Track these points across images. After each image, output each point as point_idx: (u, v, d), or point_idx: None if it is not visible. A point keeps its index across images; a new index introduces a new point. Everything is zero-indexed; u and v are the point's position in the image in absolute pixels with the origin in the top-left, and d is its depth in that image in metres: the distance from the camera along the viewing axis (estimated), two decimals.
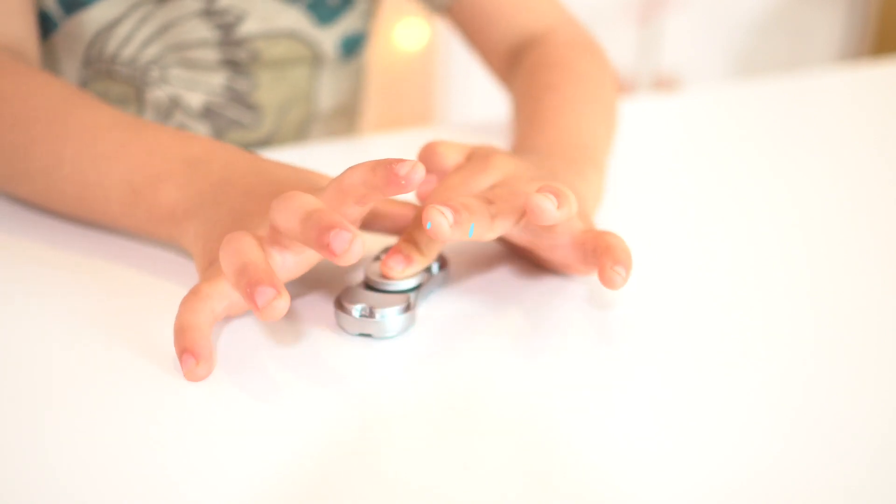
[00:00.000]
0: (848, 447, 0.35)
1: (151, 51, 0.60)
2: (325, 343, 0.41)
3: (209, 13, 0.59)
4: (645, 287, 0.46)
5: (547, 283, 0.46)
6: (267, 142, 0.67)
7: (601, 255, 0.40)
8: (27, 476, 0.33)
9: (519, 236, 0.42)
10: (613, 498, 0.32)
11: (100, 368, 0.39)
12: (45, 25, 0.59)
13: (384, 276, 0.42)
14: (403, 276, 0.41)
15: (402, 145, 0.66)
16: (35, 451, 0.34)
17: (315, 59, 0.65)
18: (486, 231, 0.39)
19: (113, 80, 0.61)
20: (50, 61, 0.61)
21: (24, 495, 0.32)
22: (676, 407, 0.37)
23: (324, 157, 0.65)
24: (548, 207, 0.38)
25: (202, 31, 0.60)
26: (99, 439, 0.35)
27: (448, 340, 0.42)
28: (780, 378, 0.39)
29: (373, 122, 2.40)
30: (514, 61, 0.63)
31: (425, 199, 0.44)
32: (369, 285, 0.42)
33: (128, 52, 0.60)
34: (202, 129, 0.64)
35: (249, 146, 0.65)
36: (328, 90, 0.69)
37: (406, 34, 2.28)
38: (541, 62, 0.60)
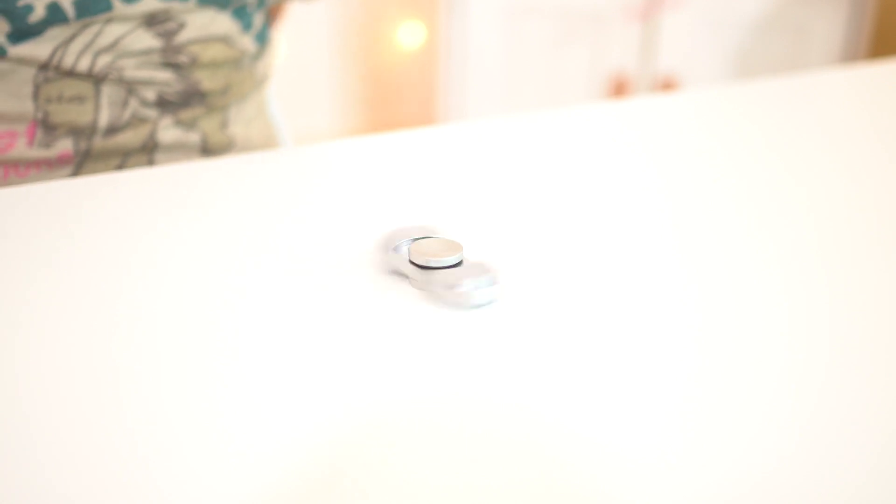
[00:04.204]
0: (854, 449, 0.35)
1: (104, 59, 0.65)
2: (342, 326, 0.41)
3: (151, 23, 0.66)
4: (645, 287, 0.46)
5: (601, 295, 0.46)
6: (210, 111, 0.72)
7: None
8: (24, 477, 0.33)
9: None
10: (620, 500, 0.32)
11: (100, 360, 0.39)
12: None
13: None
14: None
15: (399, 146, 0.66)
16: (35, 451, 0.34)
17: (241, 57, 0.73)
18: None
19: (72, 78, 0.65)
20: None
21: (22, 496, 0.32)
22: (695, 408, 0.37)
23: (321, 159, 0.65)
24: None
25: (147, 40, 0.66)
26: (99, 425, 0.35)
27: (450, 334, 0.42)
28: (784, 379, 0.39)
29: (373, 124, 2.40)
30: None
31: None
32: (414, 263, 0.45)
33: (84, 63, 0.65)
34: (153, 113, 0.69)
35: (198, 117, 0.72)
36: (258, 67, 0.76)
37: (405, 37, 2.29)
38: None
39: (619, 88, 2.06)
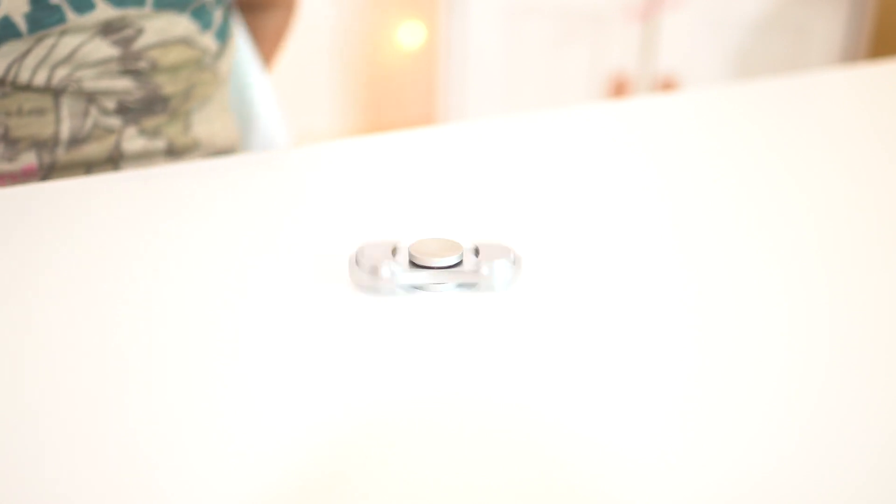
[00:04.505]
0: (854, 449, 0.35)
1: (62, 72, 0.64)
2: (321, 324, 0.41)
3: (108, 32, 0.65)
4: (644, 287, 0.46)
5: (604, 302, 0.46)
6: (173, 117, 0.72)
7: None
8: (24, 477, 0.33)
9: None
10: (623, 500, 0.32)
11: (98, 357, 0.39)
12: None
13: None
14: None
15: (399, 146, 0.66)
16: (36, 451, 0.34)
17: (203, 57, 0.72)
18: None
19: (29, 92, 0.64)
20: None
21: (22, 496, 0.32)
22: (697, 409, 0.37)
23: (325, 158, 0.65)
24: None
25: (104, 49, 0.65)
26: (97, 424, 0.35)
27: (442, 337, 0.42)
28: (784, 379, 0.39)
29: (373, 124, 2.40)
30: None
31: None
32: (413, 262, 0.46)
33: (40, 77, 0.63)
34: (116, 123, 0.68)
35: (161, 125, 0.71)
36: (221, 66, 0.75)
37: (405, 37, 2.29)
38: None
39: (619, 88, 2.06)
